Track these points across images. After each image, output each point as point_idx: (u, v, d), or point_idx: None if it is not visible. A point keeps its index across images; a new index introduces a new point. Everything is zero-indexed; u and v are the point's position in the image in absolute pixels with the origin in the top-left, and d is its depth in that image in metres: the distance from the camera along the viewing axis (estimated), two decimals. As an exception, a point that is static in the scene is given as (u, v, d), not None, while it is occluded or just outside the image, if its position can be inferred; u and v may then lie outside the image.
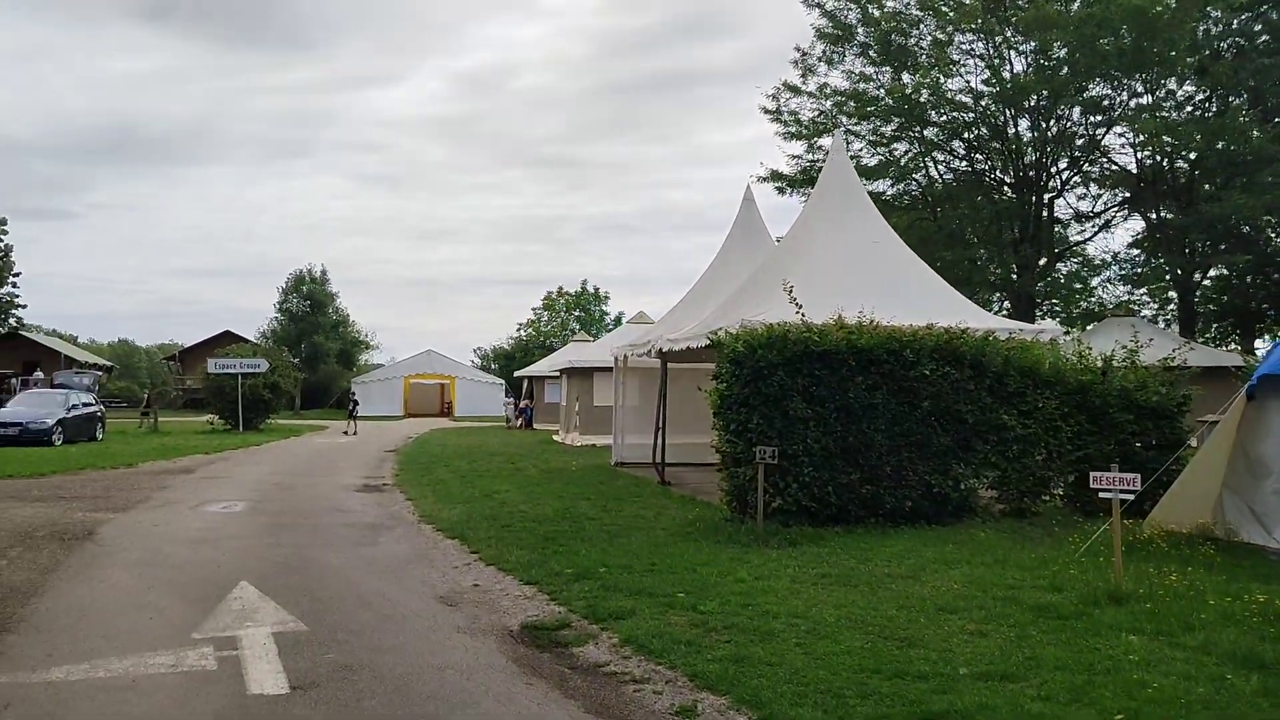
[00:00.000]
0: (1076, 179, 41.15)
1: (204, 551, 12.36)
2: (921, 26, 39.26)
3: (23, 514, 15.12)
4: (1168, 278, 41.76)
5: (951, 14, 37.92)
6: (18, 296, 68.43)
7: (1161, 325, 40.14)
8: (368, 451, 31.52)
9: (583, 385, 35.46)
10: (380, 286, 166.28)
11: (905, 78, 39.30)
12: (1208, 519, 12.76)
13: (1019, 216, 39.67)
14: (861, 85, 40.31)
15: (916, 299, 16.17)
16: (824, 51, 40.40)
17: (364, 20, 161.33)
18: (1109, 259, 43.70)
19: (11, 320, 68.39)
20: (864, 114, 40.12)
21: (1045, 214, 40.57)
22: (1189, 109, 38.14)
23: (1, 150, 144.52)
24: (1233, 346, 41.34)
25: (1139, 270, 42.94)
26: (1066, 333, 23.68)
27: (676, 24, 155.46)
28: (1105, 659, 7.44)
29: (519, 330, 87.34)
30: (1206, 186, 37.53)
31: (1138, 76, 36.95)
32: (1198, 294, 41.50)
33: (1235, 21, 35.96)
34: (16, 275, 67.67)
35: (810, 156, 41.41)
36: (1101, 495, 9.93)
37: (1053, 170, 40.32)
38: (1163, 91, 38.07)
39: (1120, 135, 39.03)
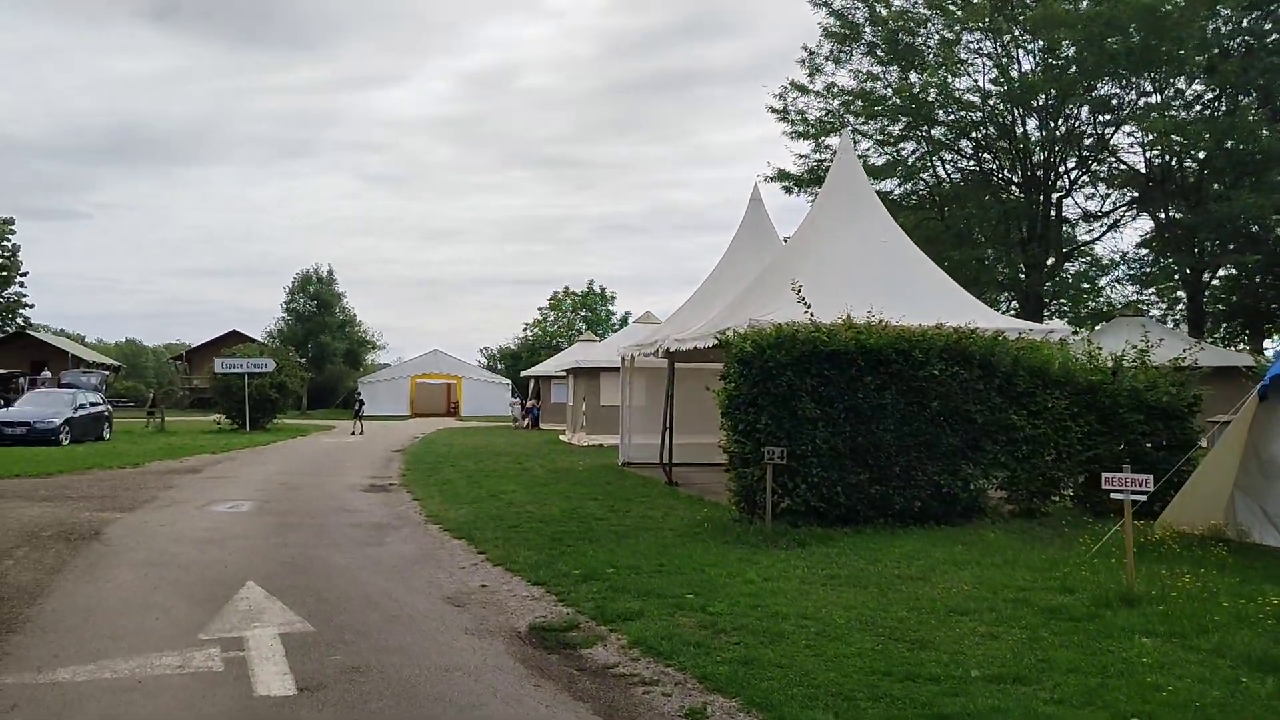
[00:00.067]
0: (1085, 178, 41.02)
1: (211, 551, 12.33)
2: (929, 25, 39.17)
3: (29, 513, 15.10)
4: (1176, 278, 41.60)
5: (959, 12, 37.83)
6: (25, 296, 68.75)
7: (1170, 325, 39.97)
8: (374, 451, 31.50)
9: (589, 385, 35.43)
10: (386, 286, 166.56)
11: (913, 77, 39.20)
12: (1220, 520, 12.68)
13: (1027, 216, 39.54)
14: (869, 84, 40.23)
15: (925, 299, 16.11)
16: (831, 50, 40.32)
17: (368, 20, 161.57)
18: (1117, 259, 43.60)
19: (19, 320, 68.58)
20: (871, 113, 40.03)
21: (1053, 214, 40.46)
22: (1198, 108, 37.96)
23: (8, 150, 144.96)
24: (1242, 347, 41.16)
25: (1147, 270, 42.78)
26: (1075, 333, 23.56)
27: (680, 24, 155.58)
28: (1118, 661, 7.37)
29: (525, 330, 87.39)
30: (1215, 186, 37.38)
31: (1146, 75, 36.83)
32: (1206, 294, 41.34)
33: (1245, 20, 35.75)
34: (24, 275, 67.99)
35: (817, 156, 41.33)
36: (1113, 496, 9.85)
37: (1061, 170, 40.20)
38: (1171, 90, 37.92)
39: (1129, 134, 38.95)
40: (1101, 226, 42.37)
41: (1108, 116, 38.31)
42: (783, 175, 42.00)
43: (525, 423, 51.34)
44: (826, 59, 40.51)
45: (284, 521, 14.98)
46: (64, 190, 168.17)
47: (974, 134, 40.24)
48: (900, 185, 41.71)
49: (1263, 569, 10.78)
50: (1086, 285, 44.25)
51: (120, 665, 7.40)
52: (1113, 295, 44.11)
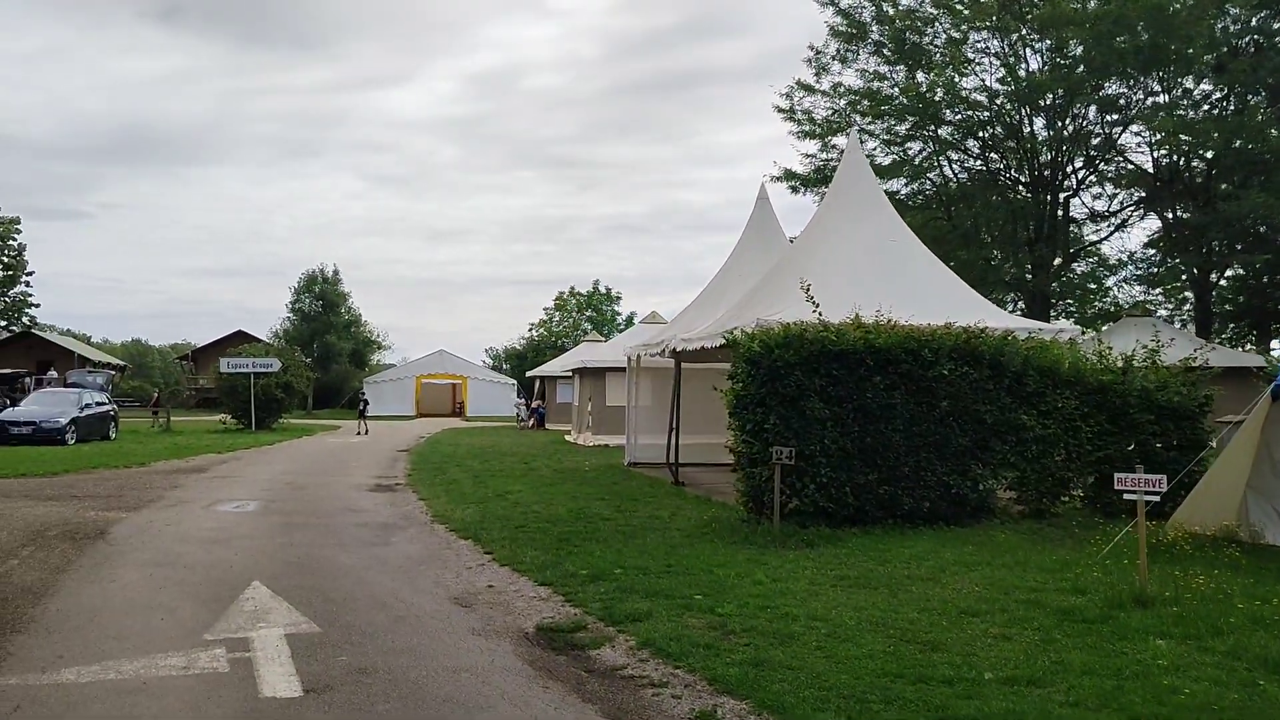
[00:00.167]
0: (1092, 178, 40.93)
1: (216, 551, 12.27)
2: (936, 24, 39.07)
3: (35, 513, 15.06)
4: (1184, 278, 41.46)
5: (966, 11, 37.72)
6: (31, 295, 68.66)
7: (1177, 325, 39.83)
8: (380, 451, 31.45)
9: (595, 385, 35.36)
10: (391, 286, 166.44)
11: (920, 76, 39.11)
12: (1232, 521, 12.58)
13: (1034, 216, 39.44)
14: (875, 84, 40.13)
15: (934, 298, 16.03)
16: (838, 50, 40.22)
17: (374, 21, 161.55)
18: (1125, 259, 43.46)
19: (25, 319, 68.61)
20: (878, 113, 39.94)
21: (1060, 213, 40.33)
22: (1206, 107, 37.83)
23: (14, 151, 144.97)
24: (1249, 347, 41.04)
25: (1155, 270, 42.64)
26: (1083, 333, 23.46)
27: (685, 24, 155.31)
28: (1133, 664, 7.29)
29: (531, 330, 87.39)
30: (1223, 186, 37.23)
31: (1154, 74, 36.71)
32: (1213, 294, 41.18)
33: (1254, 19, 35.61)
34: (30, 274, 67.90)
35: (824, 155, 41.29)
36: (1126, 497, 9.76)
37: (1068, 169, 40.08)
38: (1179, 90, 37.80)
39: (1136, 134, 38.83)
40: (1109, 226, 42.28)
41: (1115, 116, 38.19)
42: (789, 175, 41.94)
43: (530, 423, 51.29)
44: (833, 58, 40.46)
45: (290, 521, 14.93)
46: (69, 190, 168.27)
47: (981, 133, 40.14)
48: (907, 185, 41.62)
49: (1277, 570, 10.69)
50: (1093, 286, 44.12)
51: (125, 666, 7.34)
52: (1120, 295, 44.05)
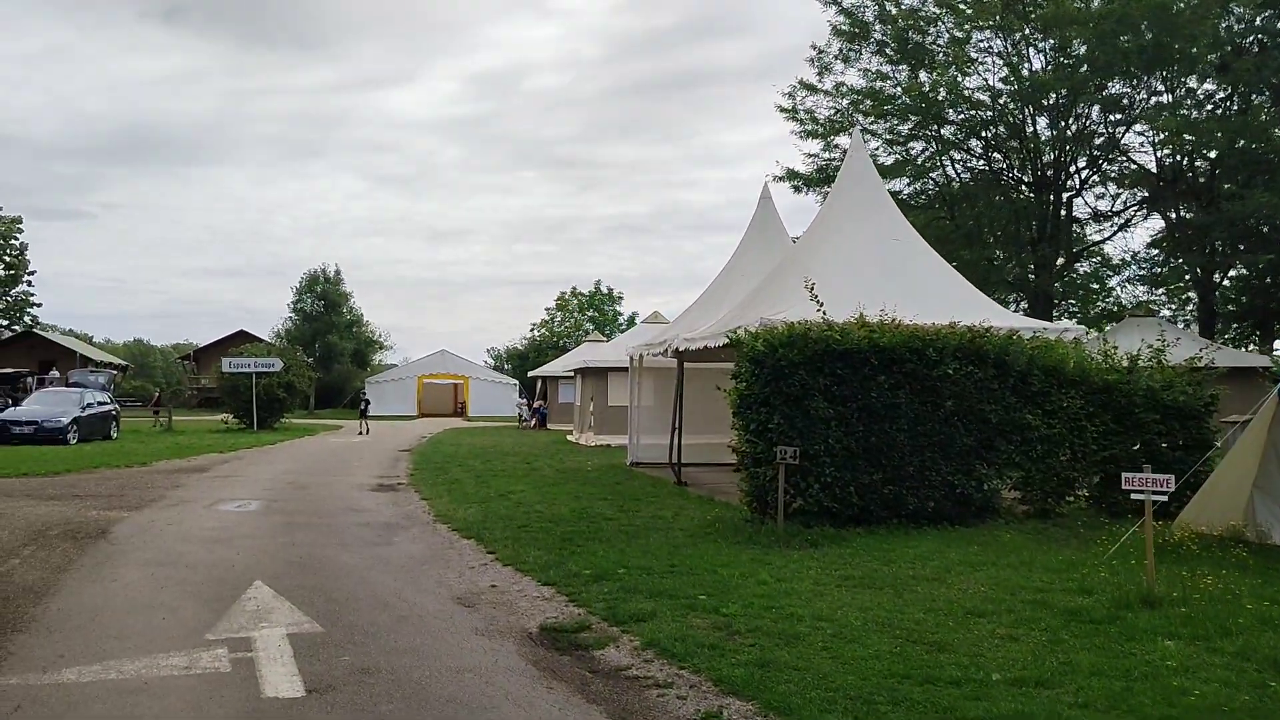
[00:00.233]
0: (1095, 178, 40.83)
1: (218, 551, 12.22)
2: (939, 24, 38.99)
3: (36, 512, 15.01)
4: (1187, 278, 41.37)
5: (969, 11, 37.64)
6: (33, 295, 68.71)
7: (1180, 326, 39.74)
8: (382, 451, 31.41)
9: (597, 385, 35.30)
10: (394, 286, 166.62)
11: (922, 76, 39.03)
12: (1239, 521, 12.53)
13: (1037, 216, 39.36)
14: (878, 83, 40.01)
15: (938, 297, 15.97)
16: (840, 49, 40.10)
17: (377, 21, 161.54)
18: (1128, 259, 43.38)
19: (26, 319, 68.64)
20: (881, 112, 39.83)
21: (1063, 213, 40.25)
22: (1209, 107, 37.75)
23: (17, 151, 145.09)
24: (1252, 347, 40.97)
25: (1158, 270, 42.56)
26: (1086, 333, 23.39)
27: (688, 24, 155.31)
28: (1142, 664, 7.24)
29: (532, 330, 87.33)
30: (1227, 185, 37.14)
31: (1158, 74, 36.63)
32: (1216, 294, 41.09)
33: (1258, 18, 35.51)
34: (31, 274, 67.98)
35: (827, 155, 41.19)
36: (1134, 496, 9.70)
37: (1071, 169, 39.98)
38: (1183, 89, 37.72)
39: (1140, 134, 38.73)
40: (1112, 226, 42.19)
41: (1119, 115, 38.09)
42: (792, 175, 41.84)
43: (532, 423, 51.25)
44: (836, 58, 40.34)
45: (292, 521, 14.88)
46: (71, 190, 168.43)
47: (984, 133, 40.05)
48: (909, 185, 41.54)
49: (1284, 571, 10.63)
50: (1096, 286, 44.04)
51: (126, 666, 7.29)
52: (1123, 296, 43.97)
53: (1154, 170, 39.54)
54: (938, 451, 13.91)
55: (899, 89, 39.28)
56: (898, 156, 41.33)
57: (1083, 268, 43.48)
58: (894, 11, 38.89)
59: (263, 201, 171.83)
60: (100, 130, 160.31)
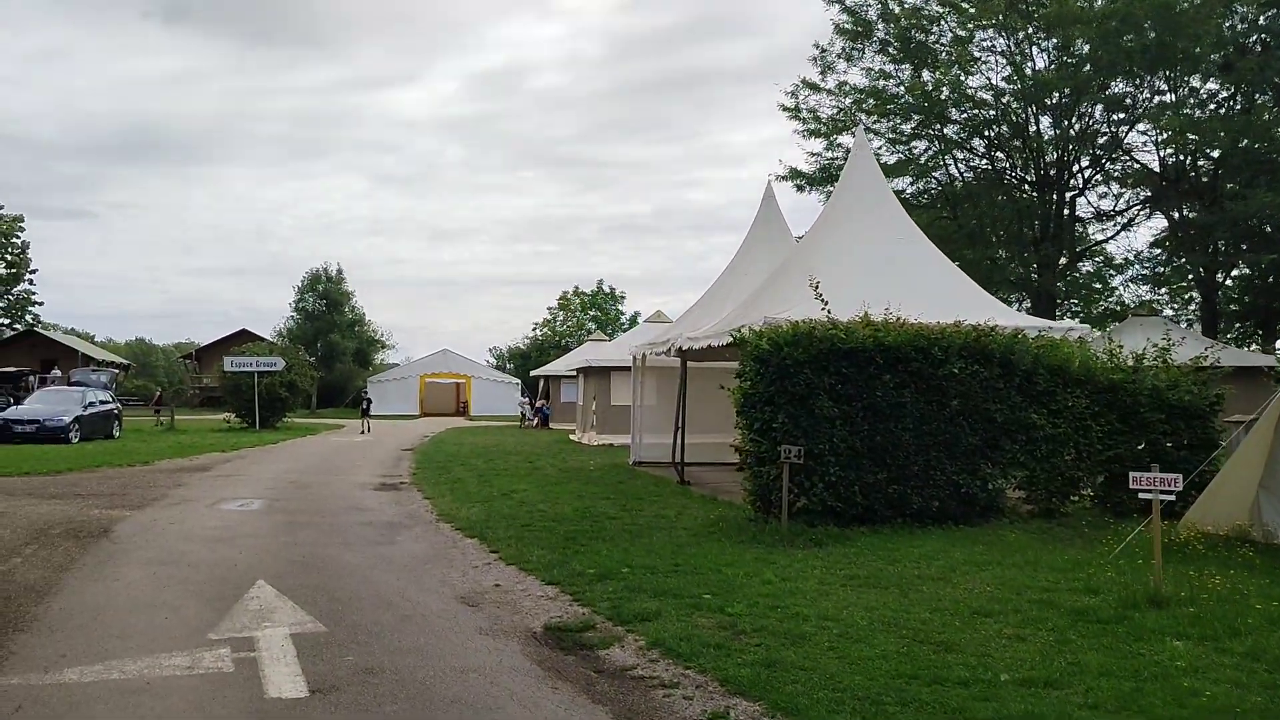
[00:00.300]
0: (1098, 177, 40.80)
1: (220, 550, 12.17)
2: (942, 23, 38.95)
3: (38, 511, 14.97)
4: (1190, 278, 41.32)
5: (972, 9, 37.59)
6: (34, 293, 68.75)
7: (1183, 325, 39.69)
8: (384, 450, 31.37)
9: (600, 385, 35.25)
10: (396, 286, 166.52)
11: (925, 75, 38.99)
12: (1244, 521, 12.46)
13: (1040, 215, 39.32)
14: (881, 82, 40.01)
15: (943, 296, 15.92)
16: (843, 48, 40.11)
17: (380, 20, 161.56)
18: (1131, 258, 43.34)
19: (28, 317, 68.67)
20: (884, 111, 39.81)
21: (1066, 213, 40.22)
22: (1213, 106, 37.71)
23: (20, 150, 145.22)
24: (1254, 347, 40.91)
25: (1160, 270, 42.51)
26: (1090, 331, 23.34)
27: (691, 23, 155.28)
28: (1151, 665, 7.18)
29: (535, 330, 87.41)
30: (1230, 185, 37.09)
31: (1161, 73, 36.59)
32: (1219, 293, 41.04)
33: (1262, 18, 35.46)
34: (33, 272, 68.03)
35: (829, 154, 41.19)
36: (1142, 496, 9.64)
37: (1074, 168, 39.96)
38: (1186, 89, 37.67)
39: (1143, 133, 38.72)
40: (1115, 226, 42.17)
41: (1122, 115, 38.06)
42: (794, 174, 41.84)
43: (534, 422, 51.22)
44: (839, 56, 40.34)
45: (294, 520, 14.83)
46: (75, 190, 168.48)
47: (987, 132, 40.03)
48: (912, 184, 41.52)
49: (1292, 571, 10.57)
50: (1099, 285, 43.98)
51: (128, 666, 7.24)
52: (1125, 295, 43.92)
53: (1157, 170, 39.52)
54: (943, 451, 13.85)
55: (902, 88, 39.27)
56: (900, 156, 41.36)
57: (1085, 267, 43.42)
58: (897, 10, 38.90)
59: (265, 201, 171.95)
60: (103, 130, 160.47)
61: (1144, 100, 37.76)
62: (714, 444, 22.76)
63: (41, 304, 69.45)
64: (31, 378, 47.83)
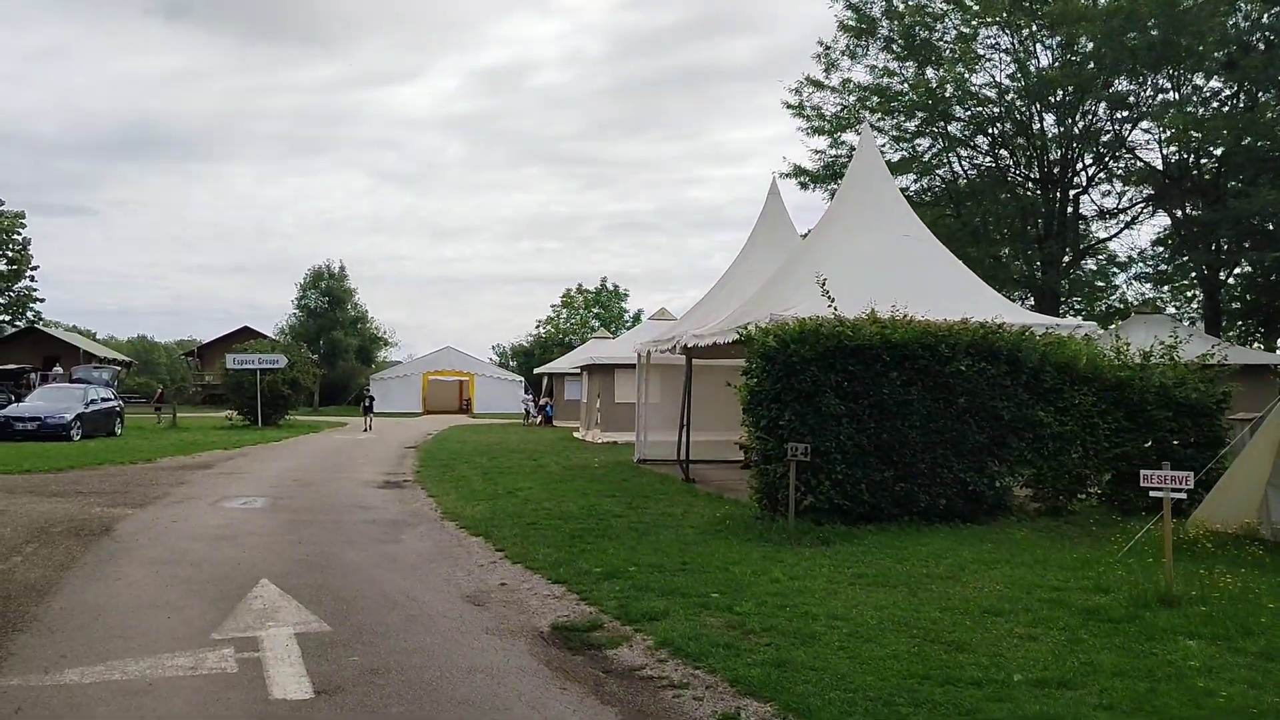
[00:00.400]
0: (1102, 175, 40.70)
1: (223, 548, 12.10)
2: (946, 20, 38.87)
3: (39, 509, 14.89)
4: (1193, 275, 41.23)
5: (976, 7, 37.50)
6: (35, 290, 68.70)
7: (1185, 323, 39.59)
8: (387, 448, 31.31)
9: (604, 382, 35.19)
10: (398, 283, 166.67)
11: (929, 72, 38.90)
12: (1253, 519, 12.37)
13: (1043, 213, 39.23)
14: (885, 80, 39.94)
15: (950, 293, 15.84)
16: (847, 45, 40.06)
17: (381, 18, 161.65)
18: (1134, 256, 43.25)
19: (29, 314, 68.65)
20: (887, 109, 39.76)
21: (1070, 210, 40.12)
22: (1216, 104, 37.63)
23: (22, 148, 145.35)
24: (1256, 345, 40.81)
25: (1163, 268, 42.42)
26: (1097, 329, 23.26)
27: (693, 21, 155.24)
28: (1164, 665, 7.10)
29: (538, 327, 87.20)
30: (1232, 183, 37.01)
31: (1164, 71, 36.51)
32: (1222, 291, 40.95)
33: (1265, 16, 35.36)
34: (34, 269, 67.97)
35: (833, 152, 41.09)
36: (1152, 494, 9.56)
37: (1078, 166, 39.88)
38: (1189, 87, 37.58)
39: (1146, 131, 38.63)
40: (1118, 224, 42.08)
41: (1125, 113, 37.98)
42: (798, 171, 41.72)
43: (538, 420, 51.15)
44: (842, 54, 40.30)
45: (298, 518, 14.75)
46: (76, 187, 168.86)
47: (990, 130, 39.96)
48: (916, 181, 41.42)
49: (1303, 570, 10.48)
50: (1102, 283, 43.90)
51: (130, 666, 7.16)
52: (1128, 293, 43.82)
53: (1160, 168, 39.43)
54: (950, 448, 13.78)
55: (906, 85, 39.18)
56: (904, 153, 41.27)
57: (1089, 265, 43.33)
58: (901, 8, 38.81)
59: (267, 198, 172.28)
60: (104, 127, 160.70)
61: (1147, 98, 37.71)
62: (719, 442, 22.73)
63: (43, 301, 69.53)
64: (33, 375, 47.76)
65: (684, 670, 7.11)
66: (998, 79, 38.72)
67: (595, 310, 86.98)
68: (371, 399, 48.05)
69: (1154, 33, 33.99)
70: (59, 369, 53.01)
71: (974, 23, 38.18)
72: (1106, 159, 39.82)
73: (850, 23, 39.44)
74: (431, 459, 26.36)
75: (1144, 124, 38.05)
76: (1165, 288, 44.08)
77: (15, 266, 66.66)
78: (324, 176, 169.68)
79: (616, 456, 26.51)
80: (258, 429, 39.82)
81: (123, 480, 19.56)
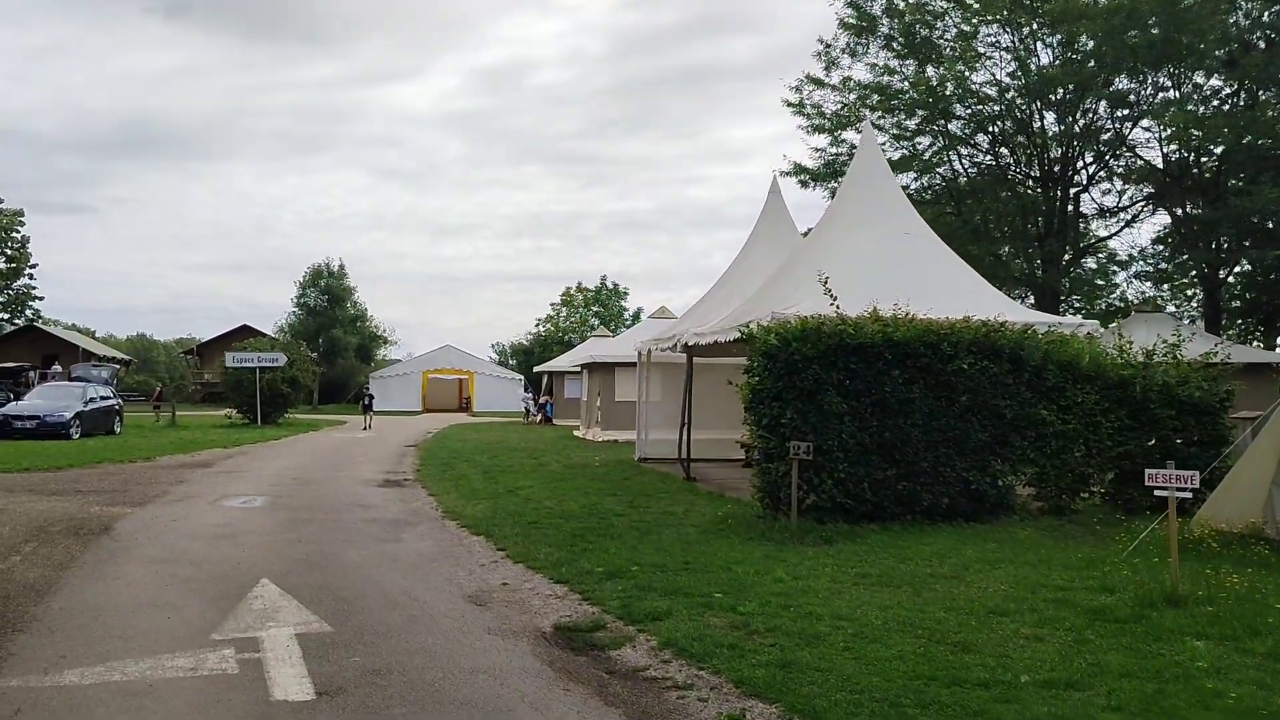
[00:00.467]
0: (1102, 173, 40.67)
1: (223, 548, 12.04)
2: (946, 18, 38.81)
3: (38, 508, 14.83)
4: (1193, 274, 41.19)
5: (976, 5, 37.44)
6: (35, 288, 68.58)
7: (1185, 321, 39.54)
8: (387, 446, 31.24)
9: (604, 380, 35.14)
10: (398, 281, 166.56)
11: (930, 70, 38.84)
12: (1258, 518, 12.32)
13: (1044, 211, 39.18)
14: (885, 78, 39.90)
15: (951, 292, 15.76)
16: (847, 43, 40.05)
17: (381, 16, 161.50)
18: (1134, 254, 43.21)
19: (28, 313, 68.54)
20: (888, 107, 39.71)
21: (1070, 209, 40.07)
22: (1216, 102, 37.60)
23: (22, 145, 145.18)
24: (1256, 343, 40.76)
25: (1164, 266, 42.38)
26: (1098, 327, 23.21)
27: (694, 20, 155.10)
28: (1172, 665, 7.05)
29: (538, 326, 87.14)
30: (1233, 181, 36.97)
31: (1165, 69, 36.47)
32: (1222, 290, 40.91)
33: (1266, 14, 35.32)
34: (33, 267, 67.82)
35: (834, 150, 41.07)
36: (1157, 493, 9.51)
37: (1078, 164, 39.83)
38: (1190, 85, 37.54)
39: (1147, 129, 38.60)
40: (1118, 222, 42.04)
41: (1126, 111, 37.93)
42: (799, 169, 41.66)
43: (538, 418, 51.08)
44: (843, 52, 40.28)
45: (298, 517, 14.69)
46: (76, 185, 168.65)
47: (991, 128, 39.91)
48: (916, 180, 41.37)
49: (1309, 569, 10.43)
50: (1102, 282, 43.85)
51: (130, 667, 7.10)
52: (1128, 291, 43.79)
53: (1161, 166, 39.39)
54: (952, 447, 13.73)
55: (906, 83, 39.11)
56: (905, 151, 41.22)
57: (1089, 263, 43.27)
58: (901, 6, 38.75)
59: (267, 196, 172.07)
60: (104, 125, 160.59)
61: (1148, 96, 37.67)
62: (719, 440, 22.67)
63: (42, 299, 69.51)
64: (32, 373, 47.71)
65: (688, 671, 7.05)
66: (998, 77, 38.73)
67: (595, 309, 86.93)
68: (371, 397, 47.96)
69: (1154, 31, 33.95)
70: (58, 367, 52.94)
71: (974, 21, 38.14)
72: (1107, 157, 39.79)
73: (851, 20, 39.42)
74: (432, 457, 26.31)
75: (1144, 122, 38.09)
76: (1165, 286, 44.09)
77: (14, 264, 66.49)
78: (324, 174, 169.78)
79: (617, 455, 26.46)
80: (257, 427, 39.73)
81: (122, 479, 19.50)
